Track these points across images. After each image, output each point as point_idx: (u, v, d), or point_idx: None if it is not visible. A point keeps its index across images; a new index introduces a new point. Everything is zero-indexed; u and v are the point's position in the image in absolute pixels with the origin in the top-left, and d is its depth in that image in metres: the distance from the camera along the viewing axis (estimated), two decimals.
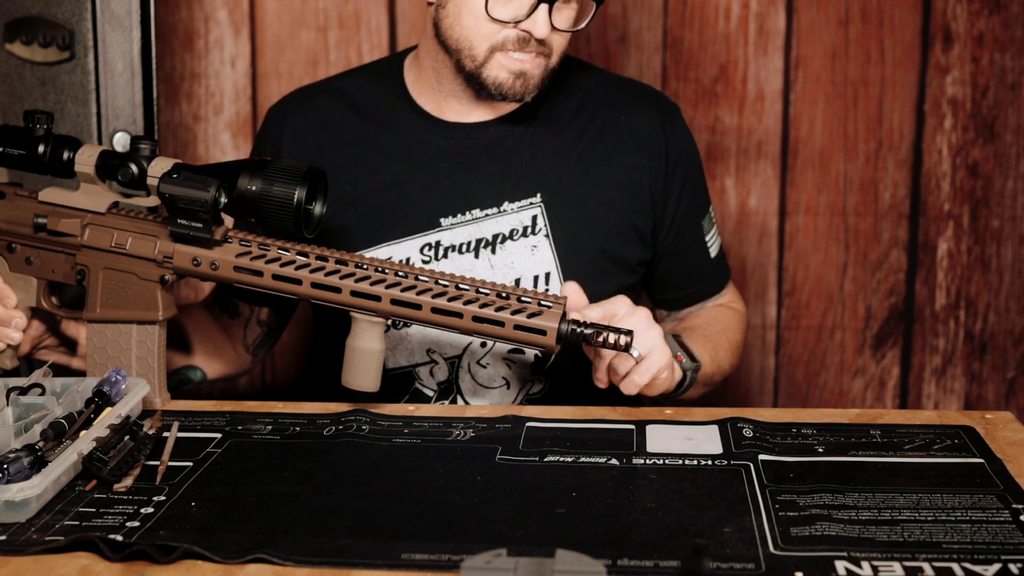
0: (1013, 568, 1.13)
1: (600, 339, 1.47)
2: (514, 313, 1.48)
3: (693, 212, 1.85)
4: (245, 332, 1.86)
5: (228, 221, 1.57)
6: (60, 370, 1.66)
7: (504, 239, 1.76)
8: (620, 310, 1.54)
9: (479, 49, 1.68)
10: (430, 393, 1.78)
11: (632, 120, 1.82)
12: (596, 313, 1.53)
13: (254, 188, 1.50)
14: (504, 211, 1.77)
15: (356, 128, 1.81)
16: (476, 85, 1.72)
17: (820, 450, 1.42)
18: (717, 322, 1.85)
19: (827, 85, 2.36)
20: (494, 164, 1.78)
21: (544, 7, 1.65)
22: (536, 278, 1.76)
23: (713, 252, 1.88)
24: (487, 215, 1.76)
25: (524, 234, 1.76)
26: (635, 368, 1.53)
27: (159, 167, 1.51)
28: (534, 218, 1.77)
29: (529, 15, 1.65)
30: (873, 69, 2.35)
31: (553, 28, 1.67)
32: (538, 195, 1.77)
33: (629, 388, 1.55)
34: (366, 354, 1.53)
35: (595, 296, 1.62)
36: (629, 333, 1.47)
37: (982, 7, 2.33)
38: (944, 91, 2.35)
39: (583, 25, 1.72)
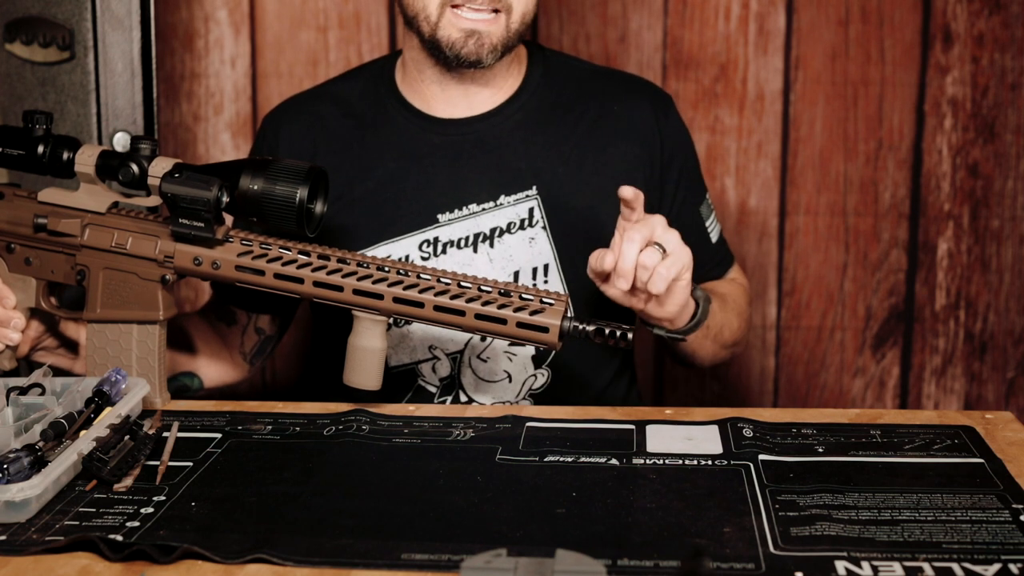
0: (1013, 568, 1.13)
1: (602, 335, 1.47)
2: (516, 311, 1.48)
3: (691, 200, 1.85)
4: (243, 340, 1.86)
5: (227, 220, 1.57)
6: (60, 373, 1.65)
7: (502, 232, 1.76)
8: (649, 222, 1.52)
9: (431, 7, 1.68)
10: (433, 389, 1.78)
11: (625, 111, 1.82)
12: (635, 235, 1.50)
13: (256, 187, 1.50)
14: (500, 204, 1.77)
15: (351, 131, 1.82)
16: (436, 51, 1.71)
17: (820, 450, 1.42)
18: (722, 286, 1.85)
19: (827, 85, 2.36)
20: (488, 158, 1.78)
21: None
22: (535, 270, 1.76)
23: (714, 238, 1.88)
24: (484, 209, 1.77)
25: (521, 227, 1.77)
26: (662, 261, 1.50)
27: (160, 167, 1.51)
28: (531, 210, 1.77)
29: None
30: (873, 69, 2.35)
31: None
32: (534, 187, 1.77)
33: (657, 282, 1.50)
34: (368, 353, 1.53)
35: (595, 286, 1.59)
36: (631, 329, 1.47)
37: (982, 7, 2.33)
38: (944, 91, 2.35)
39: None
